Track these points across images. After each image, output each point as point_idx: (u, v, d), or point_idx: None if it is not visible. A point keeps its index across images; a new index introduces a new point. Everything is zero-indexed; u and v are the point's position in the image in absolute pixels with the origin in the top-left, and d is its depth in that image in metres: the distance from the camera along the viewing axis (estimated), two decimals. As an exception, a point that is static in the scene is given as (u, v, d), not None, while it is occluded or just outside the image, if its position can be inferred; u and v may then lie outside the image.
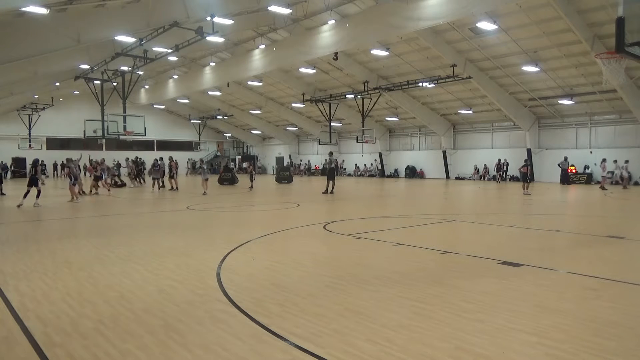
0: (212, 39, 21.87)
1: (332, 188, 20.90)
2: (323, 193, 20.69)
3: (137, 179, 28.85)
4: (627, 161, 24.20)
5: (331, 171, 21.10)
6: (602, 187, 23.34)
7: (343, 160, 45.64)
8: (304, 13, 23.66)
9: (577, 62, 23.90)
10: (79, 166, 19.60)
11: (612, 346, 3.83)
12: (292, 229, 10.60)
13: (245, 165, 26.12)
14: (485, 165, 34.47)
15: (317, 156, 49.05)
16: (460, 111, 33.68)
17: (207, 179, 21.72)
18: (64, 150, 45.10)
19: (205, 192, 20.89)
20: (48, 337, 4.10)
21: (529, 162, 22.87)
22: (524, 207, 15.78)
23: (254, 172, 26.19)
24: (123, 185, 26.95)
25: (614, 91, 24.46)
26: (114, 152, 46.56)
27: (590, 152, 29.14)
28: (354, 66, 30.29)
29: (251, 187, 24.63)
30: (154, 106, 48.48)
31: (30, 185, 15.80)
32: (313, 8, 23.35)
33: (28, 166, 43.88)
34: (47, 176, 42.26)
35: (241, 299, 5.12)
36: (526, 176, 21.73)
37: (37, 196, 15.88)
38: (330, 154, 21.71)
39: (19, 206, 15.14)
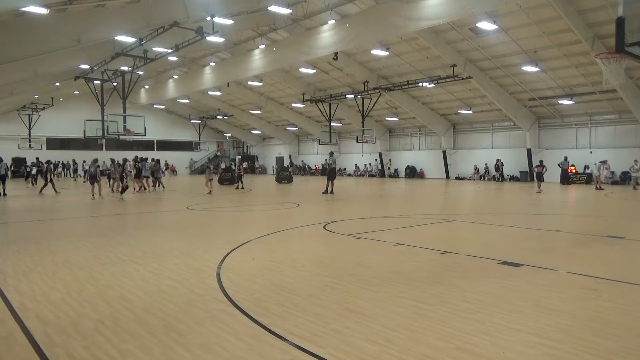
0: (212, 39, 21.88)
1: (332, 188, 20.86)
2: (323, 193, 20.69)
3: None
4: (636, 161, 23.74)
5: (332, 171, 21.02)
6: (598, 187, 23.33)
7: (387, 160, 45.39)
8: (304, 13, 23.67)
9: (577, 62, 23.90)
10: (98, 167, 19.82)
11: (612, 346, 3.83)
12: (292, 229, 10.60)
13: (238, 164, 25.70)
14: (486, 164, 34.47)
15: (317, 156, 49.08)
16: (460, 111, 33.68)
17: (211, 179, 22.08)
18: (64, 150, 45.25)
19: (210, 191, 21.30)
20: (48, 337, 4.10)
21: (543, 162, 23.16)
22: (524, 207, 15.78)
23: (241, 172, 25.61)
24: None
25: (614, 91, 24.45)
26: (114, 152, 46.67)
27: (590, 152, 29.14)
28: (354, 66, 30.29)
29: (238, 187, 24.41)
30: (154, 106, 48.49)
31: (122, 181, 18.82)
32: (313, 8, 23.35)
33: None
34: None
35: (241, 299, 5.12)
36: (540, 175, 22.14)
37: (122, 191, 18.47)
38: (331, 154, 21.64)
39: (121, 200, 17.64)
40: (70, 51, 21.57)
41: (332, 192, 20.77)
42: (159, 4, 19.14)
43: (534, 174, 23.25)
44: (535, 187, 22.19)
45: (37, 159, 30.40)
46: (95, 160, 19.58)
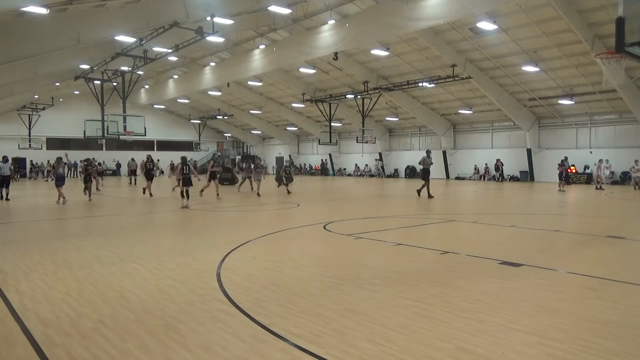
0: (212, 39, 21.87)
1: (427, 190, 18.63)
2: (420, 195, 18.99)
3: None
4: (636, 161, 23.50)
5: (426, 172, 18.92)
6: (599, 187, 23.37)
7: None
8: (304, 13, 23.67)
9: (577, 62, 23.89)
10: (65, 165, 18.60)
11: (612, 346, 3.83)
12: (292, 229, 10.60)
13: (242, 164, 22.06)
14: (485, 164, 34.48)
15: (317, 156, 49.10)
16: (460, 111, 33.68)
17: (259, 180, 20.63)
18: (64, 151, 45.20)
19: (258, 193, 19.98)
20: (48, 337, 4.10)
21: (563, 162, 23.31)
22: (523, 207, 15.78)
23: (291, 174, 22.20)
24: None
25: (614, 91, 24.45)
26: (114, 152, 46.71)
27: (590, 152, 29.14)
28: (354, 66, 30.30)
29: (289, 191, 21.24)
30: (154, 106, 48.49)
31: (187, 184, 15.47)
32: (313, 8, 23.36)
33: (27, 166, 44.15)
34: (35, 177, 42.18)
35: (241, 299, 5.13)
36: (561, 175, 22.53)
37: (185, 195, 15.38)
38: (428, 152, 19.52)
39: (184, 207, 14.76)
40: (70, 51, 21.59)
41: (420, 193, 18.76)
42: (159, 4, 19.14)
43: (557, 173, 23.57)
44: (559, 186, 22.53)
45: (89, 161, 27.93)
46: (60, 159, 17.63)
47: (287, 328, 4.24)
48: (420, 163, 19.38)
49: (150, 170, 20.51)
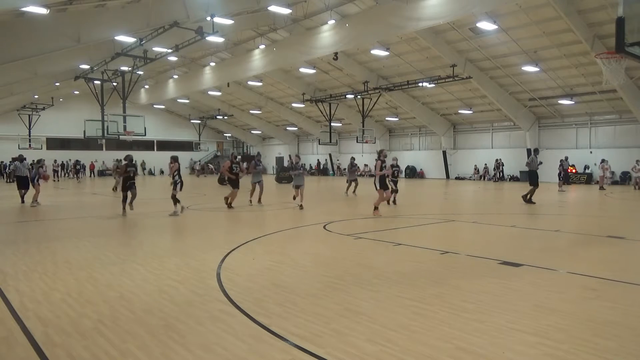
0: (212, 39, 21.88)
1: (531, 194, 15.96)
2: (526, 201, 16.04)
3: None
4: (638, 161, 23.46)
5: (533, 174, 15.90)
6: (601, 187, 23.43)
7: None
8: (304, 13, 23.68)
9: (577, 62, 23.90)
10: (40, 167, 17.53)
11: (612, 346, 3.83)
12: (292, 229, 10.60)
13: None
14: (485, 165, 34.49)
15: (316, 156, 49.11)
16: (460, 111, 33.69)
17: (298, 186, 15.16)
18: (64, 150, 45.24)
19: (300, 204, 14.86)
20: (48, 337, 4.10)
21: (562, 162, 23.47)
22: (523, 207, 15.76)
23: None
24: None
25: (614, 91, 24.46)
26: (114, 153, 46.64)
27: (590, 152, 29.16)
28: (354, 66, 30.31)
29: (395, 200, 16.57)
30: (154, 106, 48.51)
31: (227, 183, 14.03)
32: (313, 8, 23.37)
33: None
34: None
35: (241, 299, 5.13)
36: (560, 175, 22.90)
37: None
38: (535, 151, 16.55)
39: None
40: (70, 51, 21.59)
41: (529, 199, 15.99)
42: (159, 4, 19.15)
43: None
44: (559, 186, 22.87)
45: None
46: (41, 161, 17.78)
47: (287, 328, 4.23)
48: (527, 165, 16.50)
49: (236, 175, 15.31)
